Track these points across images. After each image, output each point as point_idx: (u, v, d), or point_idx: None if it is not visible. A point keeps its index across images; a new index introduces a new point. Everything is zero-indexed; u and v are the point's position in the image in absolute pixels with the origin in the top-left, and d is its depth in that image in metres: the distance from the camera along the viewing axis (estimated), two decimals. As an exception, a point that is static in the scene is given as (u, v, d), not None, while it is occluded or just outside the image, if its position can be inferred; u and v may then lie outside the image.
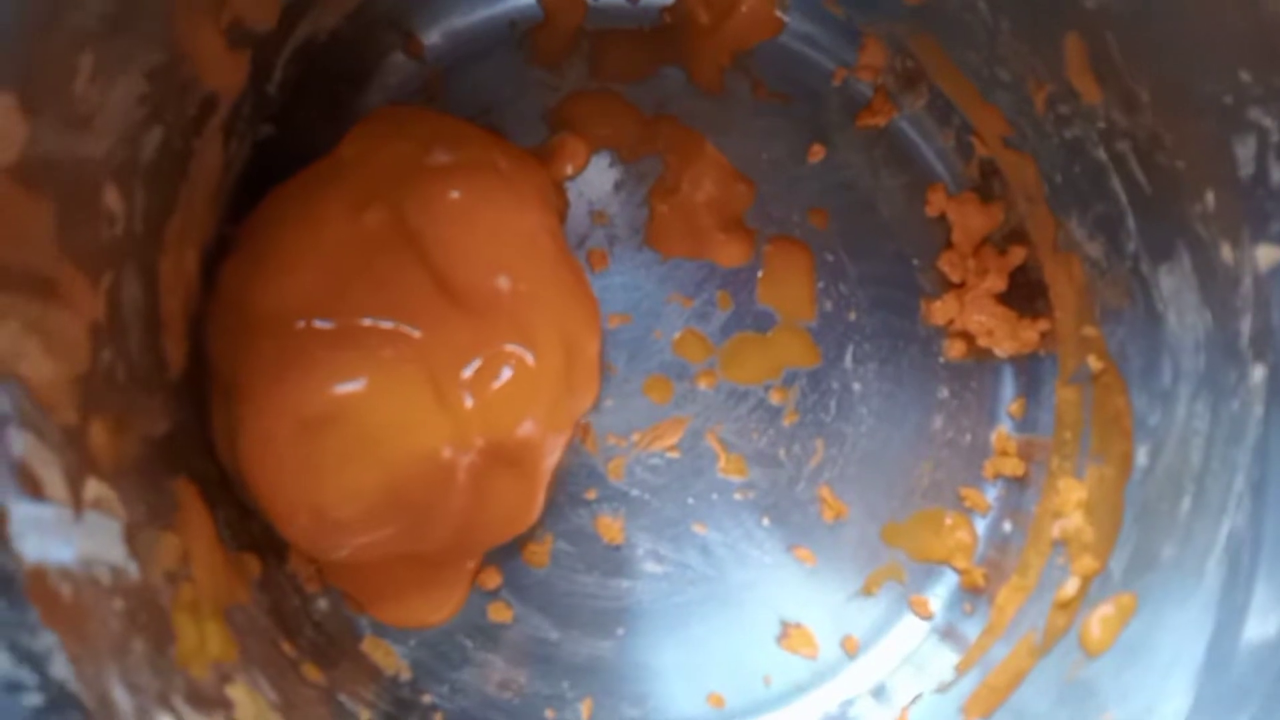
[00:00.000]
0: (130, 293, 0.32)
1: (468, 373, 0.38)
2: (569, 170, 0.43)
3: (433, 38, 0.44)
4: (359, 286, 0.37)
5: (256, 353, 0.37)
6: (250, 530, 0.40)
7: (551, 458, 0.39)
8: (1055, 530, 0.41)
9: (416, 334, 0.37)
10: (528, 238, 0.39)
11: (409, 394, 0.36)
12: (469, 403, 0.37)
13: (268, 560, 0.40)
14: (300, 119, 0.40)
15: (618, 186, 0.44)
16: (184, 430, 0.35)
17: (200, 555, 0.34)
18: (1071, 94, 0.38)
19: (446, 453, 0.37)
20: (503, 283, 0.38)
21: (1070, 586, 0.38)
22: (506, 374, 0.37)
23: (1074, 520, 0.40)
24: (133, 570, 0.29)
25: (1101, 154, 0.38)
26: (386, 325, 0.37)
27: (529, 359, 0.38)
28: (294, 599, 0.41)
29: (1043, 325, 0.43)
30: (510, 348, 0.38)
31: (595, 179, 0.43)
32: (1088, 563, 0.38)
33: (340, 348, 0.36)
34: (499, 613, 0.42)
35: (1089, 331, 0.42)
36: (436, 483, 0.37)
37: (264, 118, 0.39)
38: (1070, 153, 0.40)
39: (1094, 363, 0.42)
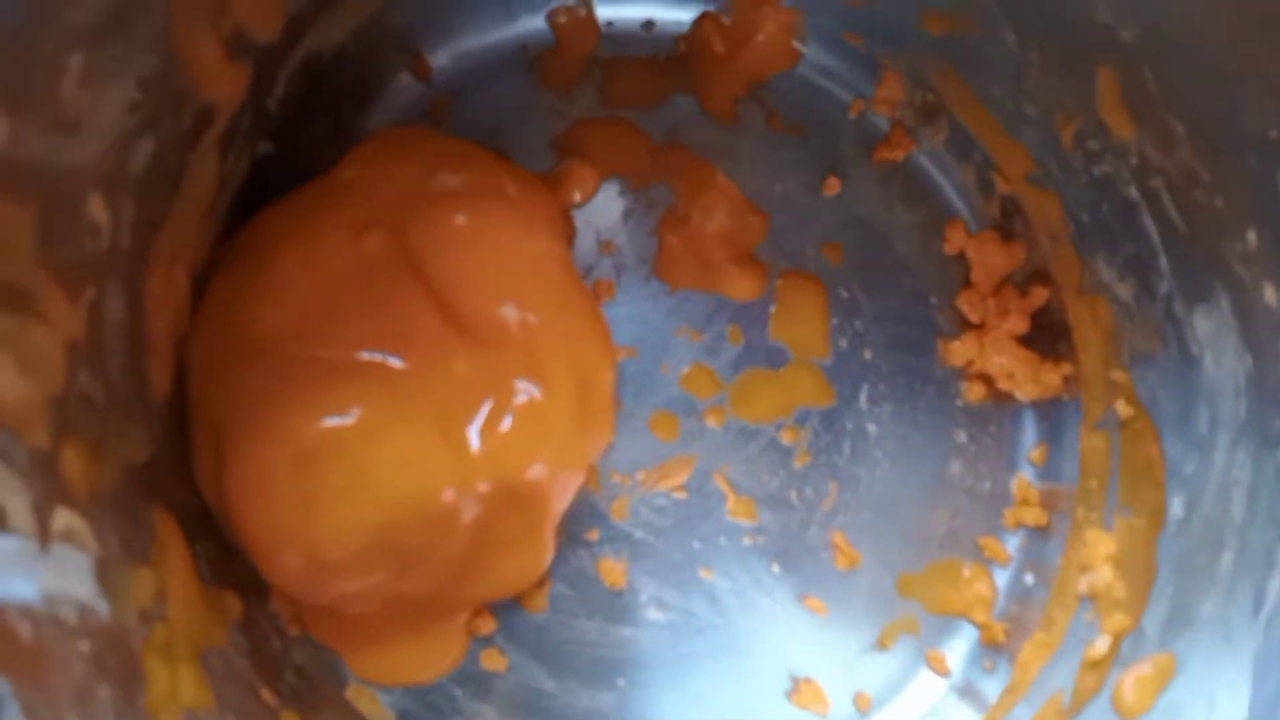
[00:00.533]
0: (113, 310, 0.31)
1: (473, 409, 0.36)
2: (577, 198, 0.42)
3: (441, 59, 0.43)
4: (357, 313, 0.36)
5: (246, 379, 0.35)
6: (232, 567, 0.38)
7: (562, 503, 0.37)
8: (1082, 585, 0.40)
9: (419, 365, 0.35)
10: (536, 264, 0.37)
11: (410, 430, 0.35)
12: (474, 441, 0.35)
13: (249, 599, 0.38)
14: (301, 137, 0.39)
15: (626, 215, 0.43)
16: (166, 459, 0.34)
17: (177, 593, 0.32)
18: (1102, 129, 0.37)
19: (448, 494, 0.35)
20: (510, 312, 0.36)
21: (1100, 645, 0.36)
22: (515, 411, 0.36)
23: (1102, 575, 0.38)
24: (102, 609, 0.27)
25: (1133, 191, 0.37)
26: (386, 355, 0.35)
27: (539, 395, 0.36)
28: (275, 641, 0.39)
29: (1066, 369, 0.42)
30: (519, 383, 0.36)
31: (603, 207, 0.43)
32: (1119, 620, 0.36)
33: (337, 377, 0.35)
34: (492, 660, 0.41)
35: (1117, 376, 0.41)
36: (436, 526, 0.35)
37: (263, 134, 0.38)
38: (1099, 190, 0.39)
39: (1123, 408, 0.40)
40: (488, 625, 0.41)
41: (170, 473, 0.34)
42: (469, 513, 0.35)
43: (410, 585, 0.36)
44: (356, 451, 0.34)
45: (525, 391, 0.36)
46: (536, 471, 0.36)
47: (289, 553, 0.34)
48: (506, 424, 0.36)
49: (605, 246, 0.43)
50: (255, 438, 0.34)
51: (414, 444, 0.35)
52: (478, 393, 0.36)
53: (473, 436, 0.36)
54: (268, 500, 0.34)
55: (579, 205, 0.43)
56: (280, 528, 0.34)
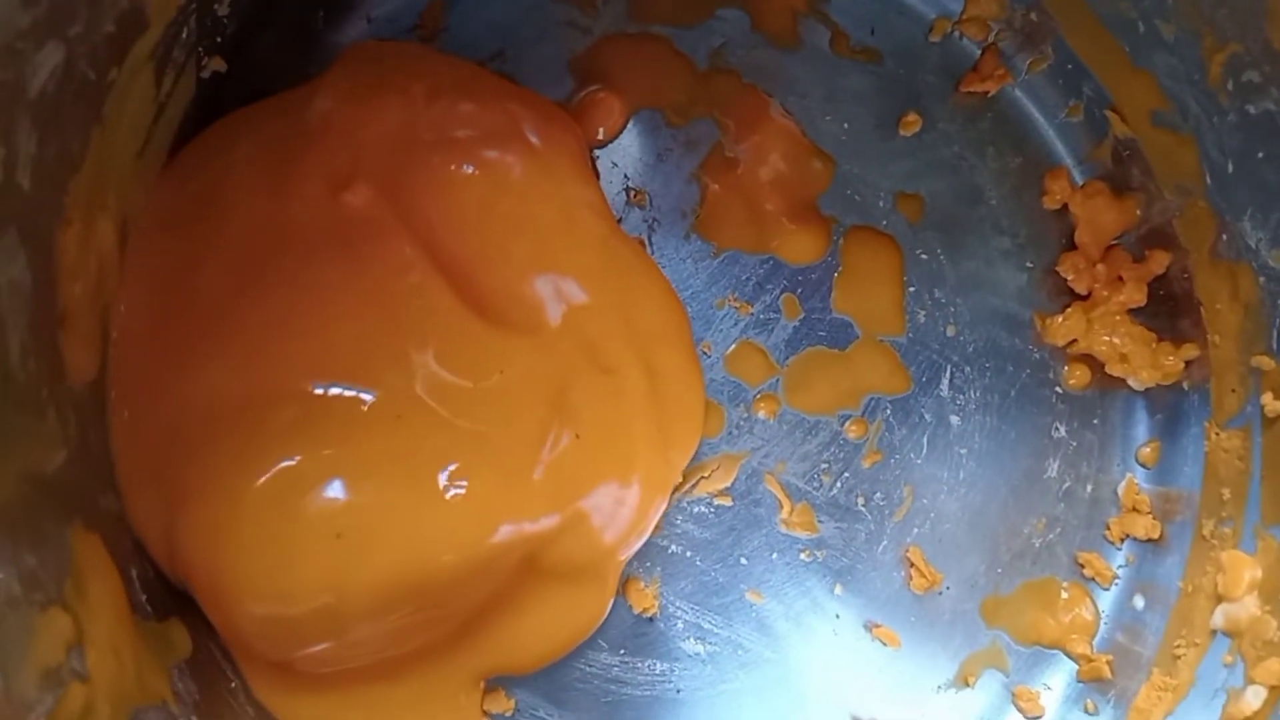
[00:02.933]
0: (9, 273, 0.26)
1: (508, 421, 0.31)
2: (600, 135, 0.38)
3: (432, -44, 0.38)
4: (343, 294, 0.31)
5: (202, 376, 0.31)
6: (177, 591, 0.33)
7: (635, 537, 0.33)
8: (1217, 618, 0.35)
9: (429, 363, 0.30)
10: (568, 220, 0.33)
11: (422, 457, 0.29)
12: (513, 468, 0.30)
13: (199, 630, 0.33)
14: (260, 52, 0.35)
15: (661, 158, 0.39)
16: (87, 461, 0.29)
17: (100, 637, 0.27)
18: (1271, 57, 0.31)
19: (476, 541, 0.30)
20: (545, 286, 0.32)
21: (1252, 699, 0.32)
22: (568, 417, 0.31)
23: (1246, 607, 0.34)
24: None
25: (1304, 136, 0.32)
26: (387, 350, 0.30)
27: (598, 391, 0.31)
28: (231, 680, 0.34)
29: (1190, 351, 0.39)
30: (570, 378, 0.31)
31: (633, 147, 0.39)
32: (1275, 668, 0.31)
33: (325, 384, 0.30)
34: (497, 703, 0.36)
35: (1262, 363, 0.36)
36: (454, 585, 0.30)
37: (211, 47, 0.34)
38: (1252, 134, 0.34)
39: (1271, 404, 0.35)
40: (502, 704, 0.36)
41: (92, 478, 0.30)
42: (498, 562, 0.30)
43: (413, 643, 0.30)
44: (357, 486, 0.29)
45: (580, 389, 0.31)
46: (601, 502, 0.31)
47: (253, 601, 0.29)
48: (564, 440, 0.31)
49: (635, 196, 0.39)
50: (223, 462, 0.29)
51: (427, 477, 0.30)
52: (514, 398, 0.31)
53: (510, 461, 0.30)
54: (234, 537, 0.29)
55: (602, 144, 0.38)
56: (246, 571, 0.29)
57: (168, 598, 0.33)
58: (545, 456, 0.30)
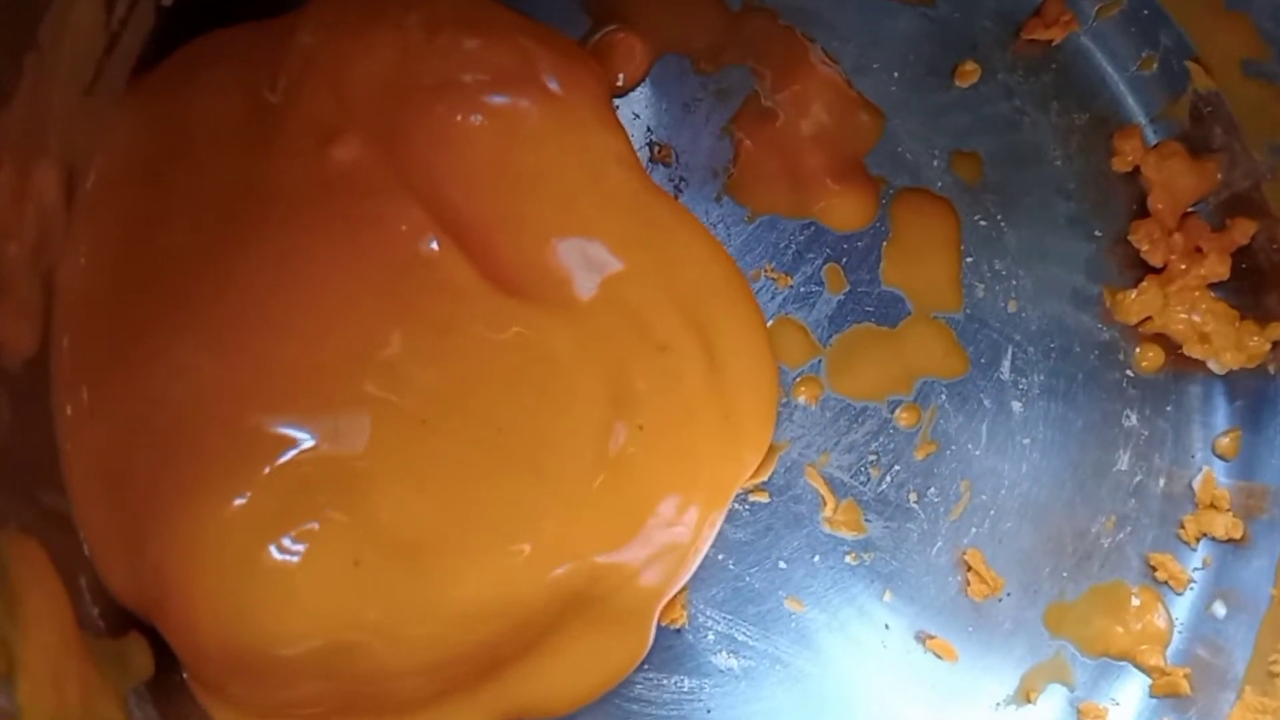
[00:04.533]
0: None
1: (544, 420, 0.27)
2: (619, 81, 0.36)
3: None
4: (335, 267, 0.28)
5: (170, 363, 0.27)
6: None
7: (684, 578, 0.30)
8: None
9: (458, 352, 0.27)
10: (595, 174, 0.31)
11: (459, 470, 0.26)
12: (547, 482, 0.27)
13: (164, 645, 0.29)
14: None
15: (689, 109, 0.36)
16: (24, 453, 0.27)
17: (36, 666, 0.24)
18: None
19: (532, 578, 0.27)
20: (568, 251, 0.29)
21: None
22: (618, 408, 0.28)
23: None
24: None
25: None
26: (393, 340, 0.26)
27: (652, 379, 0.28)
28: (200, 703, 0.30)
29: (1277, 331, 0.37)
30: (614, 363, 0.28)
31: (657, 97, 0.36)
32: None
33: (324, 384, 0.26)
34: None
35: None
36: (493, 628, 0.27)
37: None
38: None
39: None
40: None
41: (28, 473, 0.27)
42: (551, 604, 0.27)
43: (428, 689, 0.27)
44: (375, 501, 0.26)
45: (639, 372, 0.28)
46: (659, 523, 0.28)
47: (233, 634, 0.26)
48: (624, 438, 0.28)
49: (658, 152, 0.36)
50: (201, 468, 0.26)
51: (466, 494, 0.26)
52: (565, 389, 0.28)
53: (568, 473, 0.27)
54: (220, 571, 0.25)
55: (621, 92, 0.36)
56: (230, 601, 0.26)
57: (122, 611, 0.29)
58: (607, 458, 0.26)
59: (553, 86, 0.31)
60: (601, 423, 0.27)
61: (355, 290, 0.27)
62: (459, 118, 0.30)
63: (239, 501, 0.25)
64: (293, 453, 0.26)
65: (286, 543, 0.25)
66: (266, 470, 0.26)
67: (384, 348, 0.26)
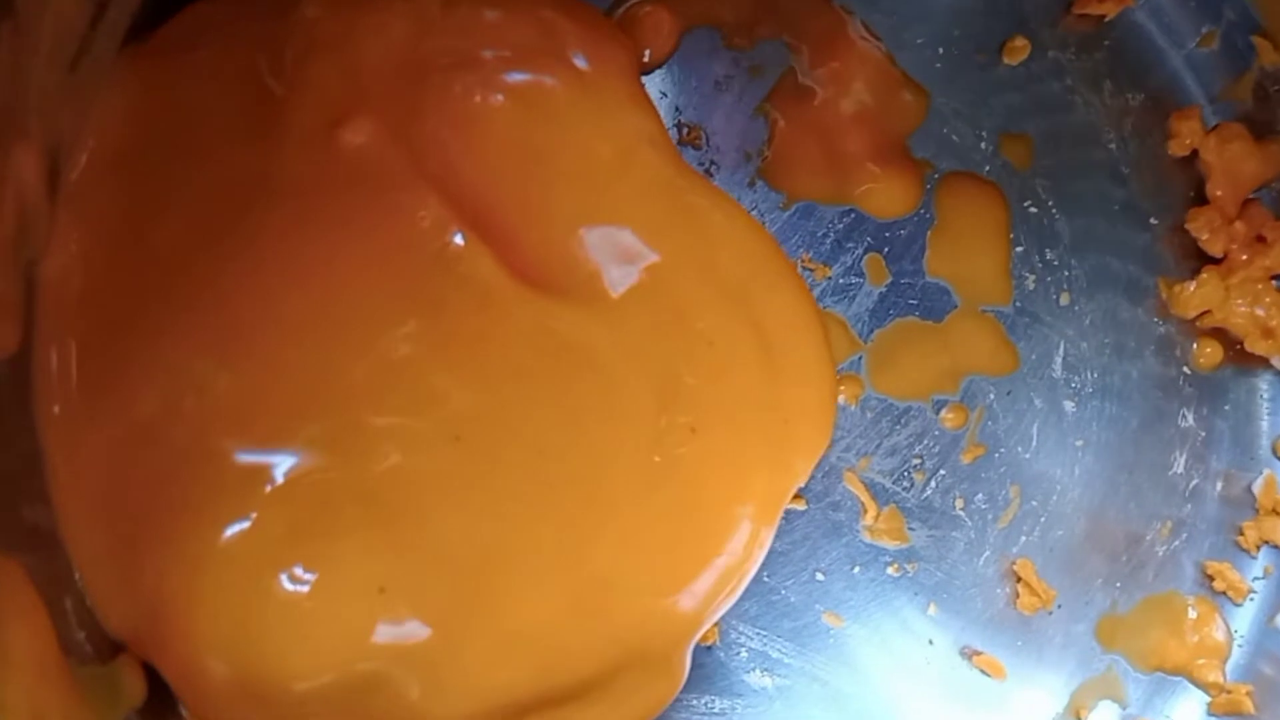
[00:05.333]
0: None
1: (581, 429, 0.25)
2: (646, 57, 0.34)
3: None
4: (352, 263, 0.26)
5: (169, 368, 0.26)
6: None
7: (732, 596, 0.28)
8: None
9: (492, 358, 0.25)
10: (623, 158, 0.29)
11: (500, 493, 0.24)
12: (581, 503, 0.25)
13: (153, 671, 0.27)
14: None
15: (720, 87, 0.35)
16: (4, 462, 0.25)
17: (14, 701, 0.22)
18: None
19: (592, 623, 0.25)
20: (598, 242, 0.27)
21: None
22: (665, 410, 0.26)
23: None
24: None
25: None
26: (417, 340, 0.24)
27: (701, 380, 0.26)
28: None
29: None
30: (661, 363, 0.26)
31: (686, 74, 0.35)
32: None
33: (340, 395, 0.24)
34: None
35: None
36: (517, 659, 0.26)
37: None
38: None
39: None
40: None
41: (12, 484, 0.25)
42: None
43: None
44: (402, 524, 0.24)
45: (678, 374, 0.26)
46: (714, 547, 0.27)
47: (229, 665, 0.24)
48: (665, 448, 0.26)
49: (688, 134, 0.35)
50: (206, 486, 0.24)
51: (511, 523, 0.24)
52: (613, 396, 0.26)
53: (593, 493, 0.25)
54: (225, 603, 0.24)
55: (648, 69, 0.34)
56: (250, 646, 0.24)
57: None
58: (657, 470, 0.25)
59: (579, 63, 0.30)
60: (650, 429, 0.26)
61: (371, 289, 0.25)
62: (478, 98, 0.28)
63: (245, 523, 0.23)
64: (306, 469, 0.24)
65: (299, 570, 0.23)
66: (275, 488, 0.24)
67: (406, 354, 0.24)
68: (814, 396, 0.30)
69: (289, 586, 0.23)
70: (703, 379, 0.27)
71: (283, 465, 0.24)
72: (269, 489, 0.23)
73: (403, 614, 0.23)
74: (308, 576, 0.23)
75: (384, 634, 0.23)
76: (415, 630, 0.24)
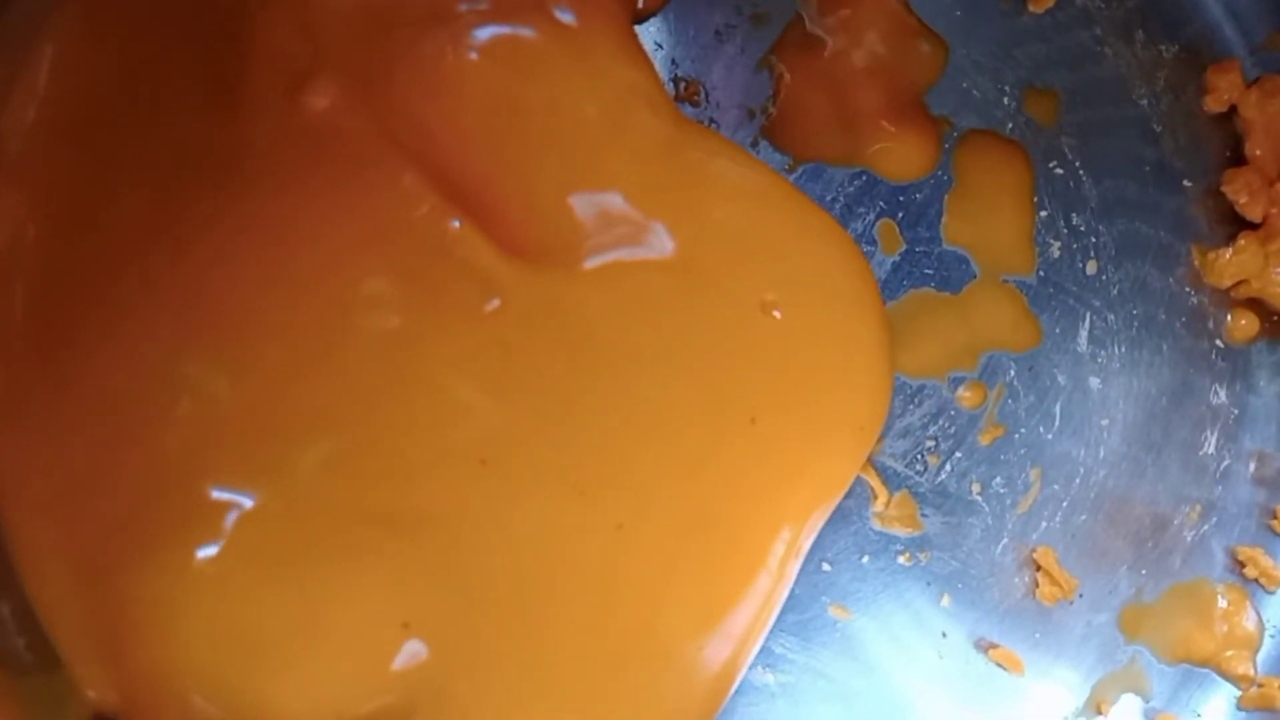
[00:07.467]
0: None
1: (601, 421, 0.24)
2: (639, 3, 0.33)
3: None
4: (327, 240, 0.24)
5: (129, 363, 0.24)
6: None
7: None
8: None
9: (516, 359, 0.23)
10: (615, 118, 0.27)
11: (538, 517, 0.23)
12: (604, 503, 0.24)
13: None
14: None
15: (721, 37, 0.34)
16: None
17: None
18: None
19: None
20: (587, 211, 0.25)
21: None
22: (700, 398, 0.25)
23: None
24: None
25: None
26: (433, 341, 0.23)
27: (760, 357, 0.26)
28: None
29: None
30: (693, 343, 0.25)
31: (683, 22, 0.34)
32: None
33: (335, 402, 0.23)
34: None
35: None
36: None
37: None
38: None
39: None
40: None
41: None
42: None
43: None
44: (425, 548, 0.22)
45: (724, 353, 0.25)
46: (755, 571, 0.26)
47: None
48: (737, 443, 0.25)
49: (685, 89, 0.33)
50: (186, 499, 0.22)
51: (556, 553, 0.23)
52: (630, 406, 0.25)
53: (634, 522, 0.24)
54: (209, 635, 0.22)
55: (640, 17, 0.33)
56: (241, 688, 0.22)
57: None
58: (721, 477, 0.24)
59: (563, 16, 0.28)
60: (715, 436, 0.24)
61: (353, 278, 0.23)
62: (451, 56, 0.27)
63: (223, 546, 0.22)
64: (310, 485, 0.22)
65: (301, 597, 0.22)
66: (269, 508, 0.22)
67: (406, 354, 0.23)
68: (872, 401, 0.29)
69: (290, 615, 0.22)
70: (756, 357, 0.25)
71: (254, 490, 0.22)
72: (263, 508, 0.22)
73: (431, 650, 0.22)
74: (314, 604, 0.22)
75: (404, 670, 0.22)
76: (443, 665, 0.22)
